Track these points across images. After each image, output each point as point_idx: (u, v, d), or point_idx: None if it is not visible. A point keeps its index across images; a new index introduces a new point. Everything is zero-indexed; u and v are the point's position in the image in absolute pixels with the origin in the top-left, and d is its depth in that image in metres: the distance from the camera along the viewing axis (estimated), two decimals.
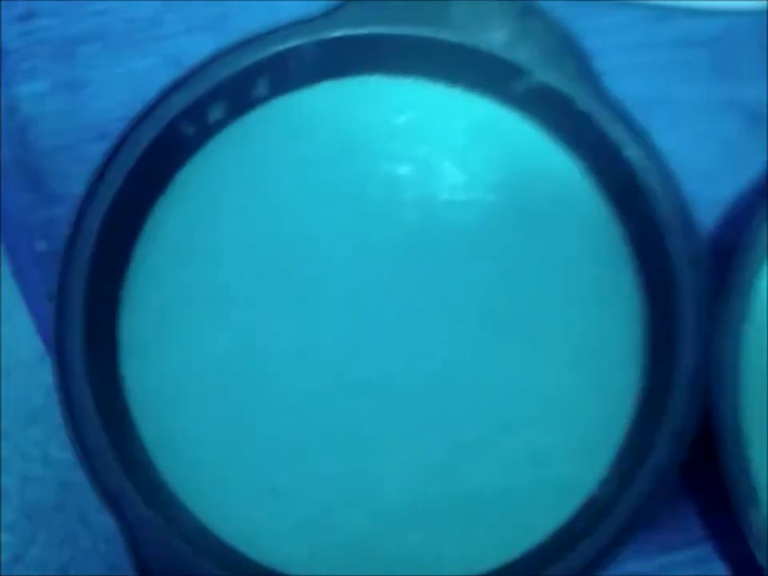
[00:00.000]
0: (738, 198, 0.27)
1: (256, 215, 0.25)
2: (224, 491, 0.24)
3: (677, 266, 0.23)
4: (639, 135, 0.24)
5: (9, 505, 0.74)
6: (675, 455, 0.22)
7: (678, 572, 0.25)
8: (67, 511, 0.73)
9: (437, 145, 0.26)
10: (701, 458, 0.23)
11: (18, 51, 0.28)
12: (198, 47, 0.25)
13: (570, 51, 0.25)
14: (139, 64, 0.27)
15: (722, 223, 0.27)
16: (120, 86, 0.27)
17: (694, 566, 0.25)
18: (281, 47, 0.24)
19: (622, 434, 0.24)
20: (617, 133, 0.24)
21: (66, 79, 0.27)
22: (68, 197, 0.25)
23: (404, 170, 0.26)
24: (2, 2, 0.28)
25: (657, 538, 0.25)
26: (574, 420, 0.24)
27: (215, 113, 0.25)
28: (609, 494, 0.23)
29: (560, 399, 0.24)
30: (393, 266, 0.25)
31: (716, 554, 0.25)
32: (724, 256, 0.24)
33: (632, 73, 0.27)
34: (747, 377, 0.22)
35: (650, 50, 0.27)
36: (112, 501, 0.22)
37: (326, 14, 0.25)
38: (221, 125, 0.25)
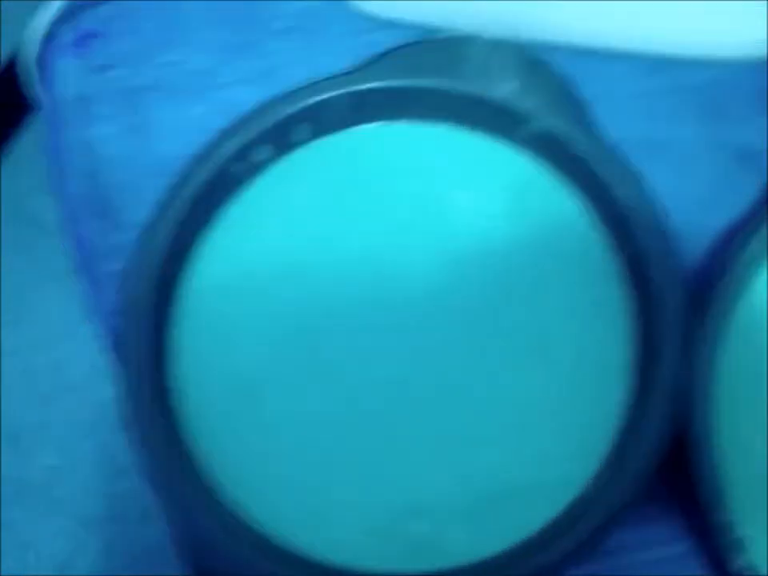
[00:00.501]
0: (728, 228, 0.29)
1: (294, 246, 0.29)
2: (263, 490, 0.27)
3: (659, 290, 0.26)
4: (629, 175, 0.27)
5: (61, 514, 0.76)
6: (652, 459, 0.25)
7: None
8: (116, 522, 0.75)
9: (454, 183, 0.29)
10: (677, 465, 0.25)
11: (94, 97, 0.31)
12: (247, 96, 0.29)
13: (570, 100, 0.28)
14: (197, 110, 0.31)
15: (712, 251, 0.29)
16: (180, 130, 0.30)
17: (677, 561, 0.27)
18: (318, 98, 0.28)
19: (610, 438, 0.26)
20: (608, 173, 0.27)
21: (133, 123, 0.31)
22: (133, 225, 0.28)
23: (419, 204, 0.29)
24: (84, 54, 0.32)
25: (637, 535, 0.27)
26: (569, 424, 0.27)
27: (261, 154, 0.28)
28: (595, 491, 0.26)
29: (557, 406, 0.27)
30: (412, 293, 0.28)
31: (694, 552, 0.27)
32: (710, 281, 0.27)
33: (630, 117, 0.30)
34: (722, 392, 0.25)
35: (647, 97, 0.30)
36: (173, 507, 0.25)
37: (359, 68, 0.28)
38: (266, 163, 0.29)
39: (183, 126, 0.30)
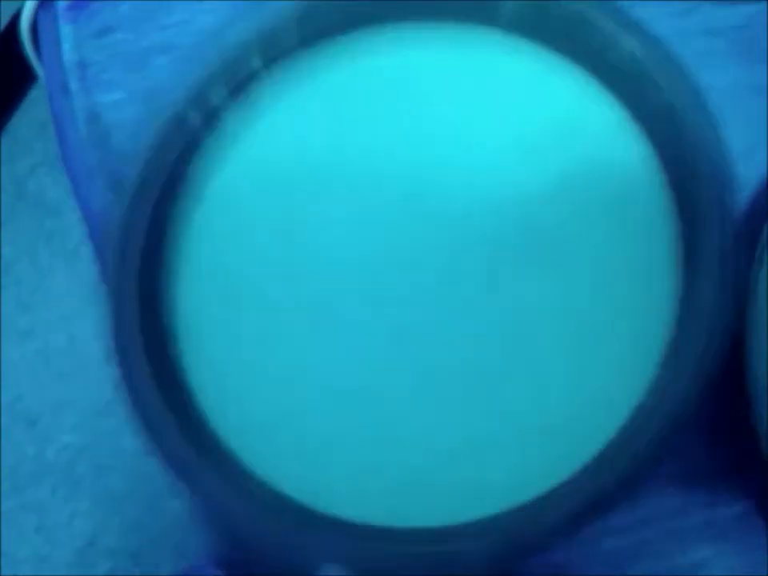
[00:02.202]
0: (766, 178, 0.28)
1: (275, 196, 0.26)
2: (283, 452, 0.25)
3: (706, 201, 0.24)
4: (637, 27, 0.25)
5: (83, 494, 0.77)
6: (696, 386, 0.24)
7: (720, 528, 0.27)
8: (138, 499, 0.76)
9: (439, 92, 0.26)
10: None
11: (96, 63, 0.30)
12: None
13: None
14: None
15: (750, 202, 0.28)
16: None
17: (735, 521, 0.27)
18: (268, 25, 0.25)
19: (654, 366, 0.25)
20: (611, 27, 0.25)
21: (142, 88, 0.30)
22: None
23: (414, 118, 0.26)
24: (81, 18, 0.31)
25: (700, 495, 0.27)
26: (611, 341, 0.25)
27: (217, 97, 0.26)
28: (646, 411, 0.24)
29: (601, 333, 0.25)
30: (420, 220, 0.26)
31: (756, 510, 0.26)
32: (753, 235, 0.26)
33: None
34: None
35: (679, 41, 0.29)
36: (187, 478, 0.24)
37: None
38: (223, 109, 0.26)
39: None
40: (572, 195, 0.26)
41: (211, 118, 0.26)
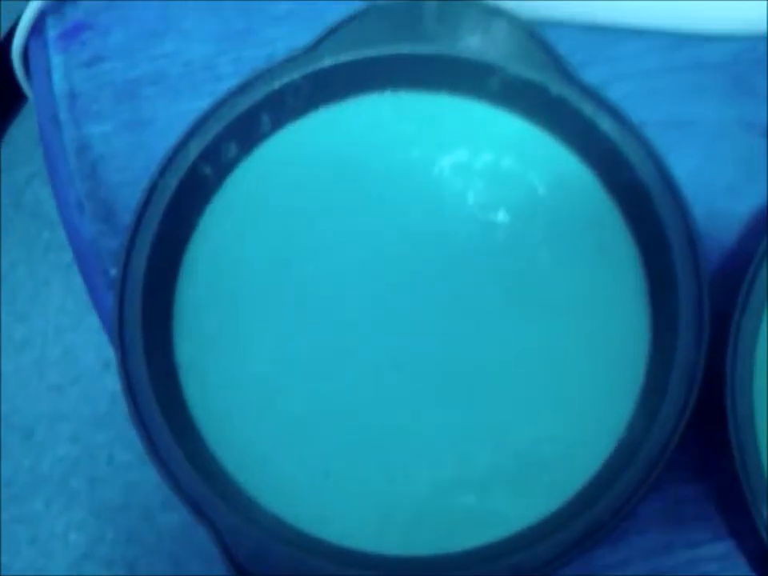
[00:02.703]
0: (757, 212, 0.28)
1: (278, 237, 0.28)
2: (291, 484, 0.26)
3: (673, 240, 0.25)
4: (613, 109, 0.26)
5: (78, 505, 0.77)
6: (688, 396, 0.24)
7: (702, 568, 0.26)
8: (132, 510, 0.76)
9: (432, 148, 0.28)
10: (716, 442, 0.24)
11: (86, 94, 0.30)
12: None
13: (537, 45, 0.27)
14: (196, 104, 0.28)
15: (742, 236, 0.28)
16: (179, 125, 0.28)
17: (718, 561, 0.26)
18: (276, 85, 0.27)
19: (641, 378, 0.26)
20: (590, 109, 0.26)
21: (131, 120, 0.30)
22: None
23: (406, 170, 0.28)
24: (72, 48, 0.31)
25: (683, 535, 0.26)
26: (595, 371, 0.26)
27: (228, 152, 0.27)
28: (636, 435, 0.25)
29: (580, 353, 0.26)
30: (409, 263, 0.27)
31: (738, 550, 0.26)
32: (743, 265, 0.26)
33: (651, 97, 0.29)
34: (760, 379, 0.24)
35: (668, 75, 0.29)
36: (198, 510, 0.24)
37: (312, 47, 0.27)
38: (235, 162, 0.28)
39: (182, 121, 0.28)
40: (554, 248, 0.27)
41: (222, 169, 0.27)
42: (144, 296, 0.25)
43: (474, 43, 0.27)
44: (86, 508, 0.77)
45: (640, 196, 0.26)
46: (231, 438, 0.26)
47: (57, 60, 0.31)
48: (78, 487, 0.78)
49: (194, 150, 0.26)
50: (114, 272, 0.28)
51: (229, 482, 0.25)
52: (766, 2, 0.27)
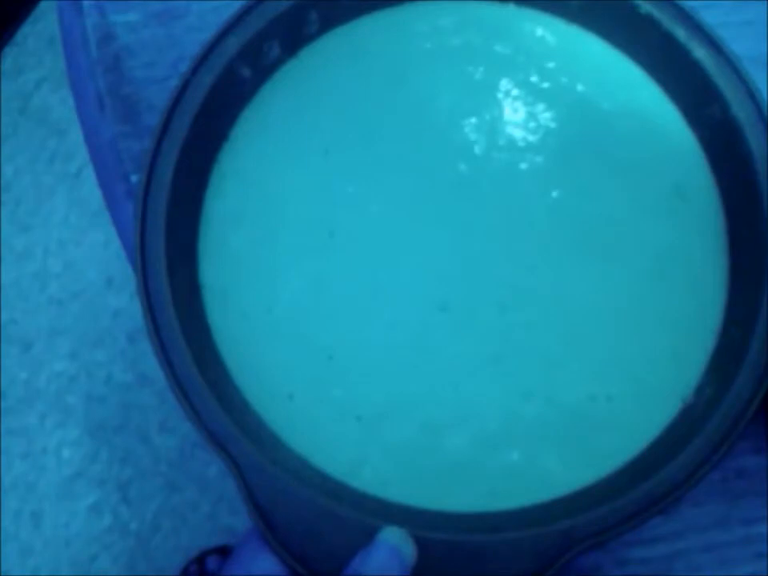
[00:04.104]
0: None
1: (318, 154, 0.25)
2: (319, 425, 0.24)
3: (764, 188, 0.22)
4: (709, 35, 0.23)
5: (73, 422, 0.75)
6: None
7: (757, 548, 0.24)
8: (129, 431, 0.74)
9: (495, 65, 0.25)
10: None
11: None
12: None
13: None
14: None
15: None
16: (215, 19, 0.26)
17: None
18: None
19: (713, 339, 0.23)
20: (683, 33, 0.23)
21: (161, 10, 0.27)
22: None
23: (465, 87, 0.25)
24: None
25: (739, 510, 0.24)
26: (663, 327, 0.24)
27: (270, 53, 0.24)
28: (706, 400, 0.22)
29: (647, 307, 0.24)
30: (462, 194, 0.25)
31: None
32: None
33: (742, 29, 0.26)
34: None
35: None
36: (219, 444, 0.22)
37: None
38: (277, 64, 0.25)
39: (219, 16, 0.25)
40: (625, 187, 0.24)
41: (262, 72, 0.25)
42: (169, 207, 0.23)
43: None
44: (81, 426, 0.76)
45: (730, 135, 0.23)
46: (257, 371, 0.23)
47: None
48: (74, 404, 0.77)
49: (232, 47, 0.23)
50: (135, 178, 0.25)
51: (253, 417, 0.23)
52: None
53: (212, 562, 0.65)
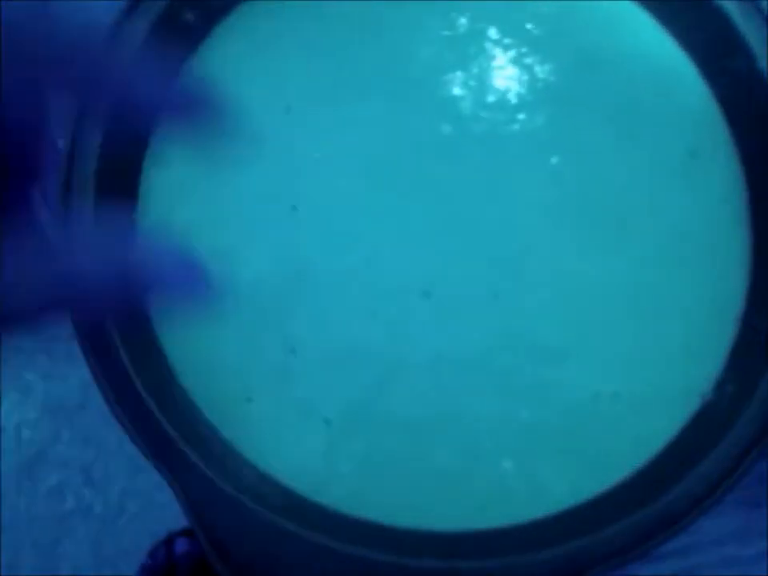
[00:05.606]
0: None
1: (278, 105, 0.22)
2: (279, 431, 0.21)
3: None
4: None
5: (32, 401, 0.73)
6: None
7: None
8: (91, 410, 0.72)
9: (480, 7, 0.22)
10: None
11: None
12: None
13: None
14: None
15: None
16: None
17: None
18: None
19: (734, 328, 0.21)
20: None
21: None
22: None
23: (445, 39, 0.22)
24: None
25: (759, 521, 0.22)
26: (676, 313, 0.21)
27: None
28: (728, 399, 0.20)
29: (659, 291, 0.21)
30: (452, 156, 0.21)
31: None
32: None
33: None
34: None
35: None
36: (158, 455, 0.19)
37: None
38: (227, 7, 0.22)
39: None
40: (637, 153, 0.21)
41: (210, 17, 0.21)
42: (99, 177, 0.19)
43: None
44: (40, 405, 0.74)
45: (753, 91, 0.20)
46: (208, 368, 0.21)
47: None
48: (33, 382, 0.74)
49: None
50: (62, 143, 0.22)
51: (202, 424, 0.20)
52: None
53: (180, 545, 0.63)
